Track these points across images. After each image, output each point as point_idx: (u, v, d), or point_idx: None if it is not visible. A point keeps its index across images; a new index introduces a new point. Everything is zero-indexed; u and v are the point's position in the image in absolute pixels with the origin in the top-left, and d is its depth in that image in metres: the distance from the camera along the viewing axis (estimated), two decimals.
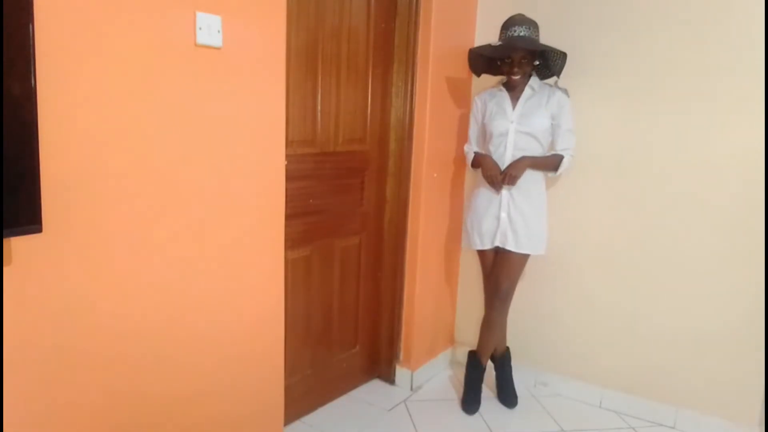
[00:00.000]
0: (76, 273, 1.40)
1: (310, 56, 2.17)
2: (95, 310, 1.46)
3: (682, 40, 2.32)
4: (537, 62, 2.44)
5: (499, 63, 2.46)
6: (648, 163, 2.45)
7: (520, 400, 2.69)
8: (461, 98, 2.82)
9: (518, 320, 2.84)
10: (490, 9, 2.75)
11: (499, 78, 2.57)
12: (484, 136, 2.55)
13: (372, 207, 2.65)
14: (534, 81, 2.45)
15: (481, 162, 2.48)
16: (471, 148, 2.59)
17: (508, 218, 2.44)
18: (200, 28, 1.56)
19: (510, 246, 2.44)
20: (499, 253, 2.51)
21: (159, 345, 1.62)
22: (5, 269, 1.26)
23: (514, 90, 2.46)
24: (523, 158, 2.39)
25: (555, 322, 2.74)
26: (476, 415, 2.56)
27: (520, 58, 2.36)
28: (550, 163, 2.43)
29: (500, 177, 2.40)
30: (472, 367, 2.65)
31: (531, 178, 2.43)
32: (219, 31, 1.61)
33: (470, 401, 2.60)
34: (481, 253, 2.58)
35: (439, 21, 2.52)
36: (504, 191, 2.43)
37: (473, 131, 2.60)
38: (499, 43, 2.35)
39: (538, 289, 2.71)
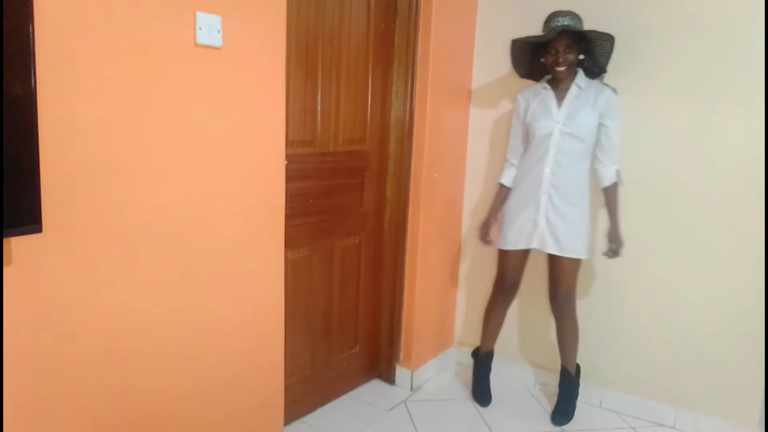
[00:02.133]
0: (76, 273, 1.40)
1: (310, 56, 2.17)
2: (95, 310, 1.46)
3: (681, 39, 2.32)
4: (582, 56, 2.32)
5: (542, 60, 2.35)
6: (647, 163, 2.45)
7: (519, 400, 2.69)
8: (461, 98, 2.82)
9: (518, 320, 2.84)
10: (491, 9, 2.76)
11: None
12: (527, 137, 2.45)
13: (372, 207, 2.65)
14: (580, 78, 2.34)
15: (488, 213, 2.53)
16: (508, 165, 2.52)
17: (546, 222, 2.36)
18: (200, 28, 1.56)
19: (551, 249, 2.38)
20: (549, 259, 2.45)
21: (159, 344, 1.62)
22: (5, 269, 1.26)
23: (559, 87, 2.35)
24: (613, 227, 2.35)
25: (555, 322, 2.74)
26: (476, 414, 2.56)
27: (564, 47, 2.24)
28: (617, 197, 2.36)
29: (481, 236, 2.54)
30: (479, 361, 2.67)
31: (575, 184, 2.34)
32: (219, 31, 1.61)
33: (483, 394, 2.64)
34: (505, 253, 2.51)
35: (439, 21, 2.52)
36: (542, 195, 2.36)
37: (516, 133, 2.51)
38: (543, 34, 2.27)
39: (538, 289, 2.71)
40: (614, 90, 2.33)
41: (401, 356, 2.78)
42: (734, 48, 2.23)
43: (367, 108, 2.51)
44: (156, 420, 1.65)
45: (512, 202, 2.47)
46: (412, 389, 2.75)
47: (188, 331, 1.69)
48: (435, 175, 2.67)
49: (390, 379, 2.80)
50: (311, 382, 2.47)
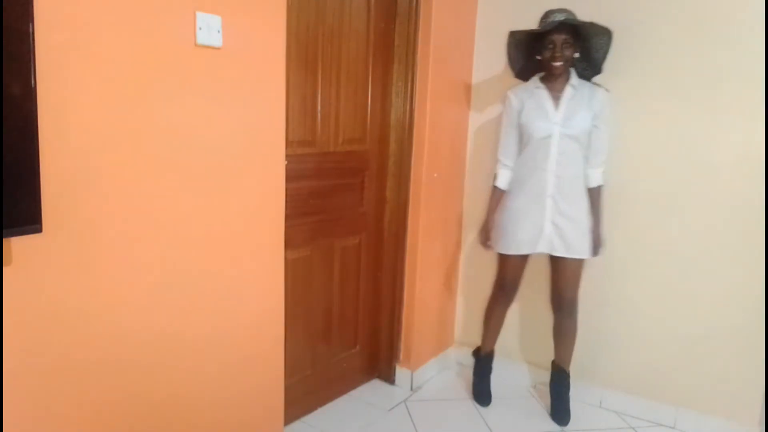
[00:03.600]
0: (76, 273, 1.40)
1: (310, 56, 2.17)
2: (95, 310, 1.46)
3: (679, 39, 2.32)
4: (577, 54, 2.29)
5: (538, 57, 2.30)
6: (646, 163, 2.45)
7: (519, 399, 2.69)
8: (461, 98, 2.82)
9: (518, 320, 2.84)
10: (490, 9, 2.76)
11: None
12: (521, 138, 2.40)
13: (372, 207, 2.65)
14: (574, 78, 2.32)
15: (487, 217, 2.50)
16: (501, 166, 2.47)
17: (553, 225, 2.33)
18: (200, 28, 1.56)
19: (559, 252, 2.35)
20: (553, 261, 2.42)
21: (159, 344, 1.62)
22: (5, 269, 1.26)
23: (554, 87, 2.31)
24: (596, 228, 2.38)
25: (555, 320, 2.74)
26: (476, 414, 2.56)
27: (562, 42, 2.20)
28: (601, 198, 2.41)
29: (482, 241, 2.53)
30: (480, 361, 2.66)
31: (576, 185, 2.34)
32: (219, 31, 1.61)
33: (483, 394, 2.63)
34: (507, 257, 2.46)
35: (439, 21, 2.52)
36: (547, 199, 2.32)
37: (508, 136, 2.43)
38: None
39: (538, 289, 2.71)
40: (606, 90, 2.33)
41: (401, 356, 2.78)
42: (734, 48, 2.23)
43: (367, 108, 2.51)
44: (156, 420, 1.65)
45: (512, 207, 2.42)
46: (412, 389, 2.75)
47: (188, 331, 1.69)
48: (435, 175, 2.67)
49: (390, 379, 2.80)
50: (311, 382, 2.47)
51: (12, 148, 1.17)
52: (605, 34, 2.23)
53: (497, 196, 2.50)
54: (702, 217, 2.36)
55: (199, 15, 1.56)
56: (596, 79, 2.39)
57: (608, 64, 2.35)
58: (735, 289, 2.33)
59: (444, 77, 2.64)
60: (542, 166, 2.31)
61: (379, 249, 2.72)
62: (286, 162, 1.93)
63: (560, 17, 2.19)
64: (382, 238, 2.71)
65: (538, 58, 2.31)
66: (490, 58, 2.77)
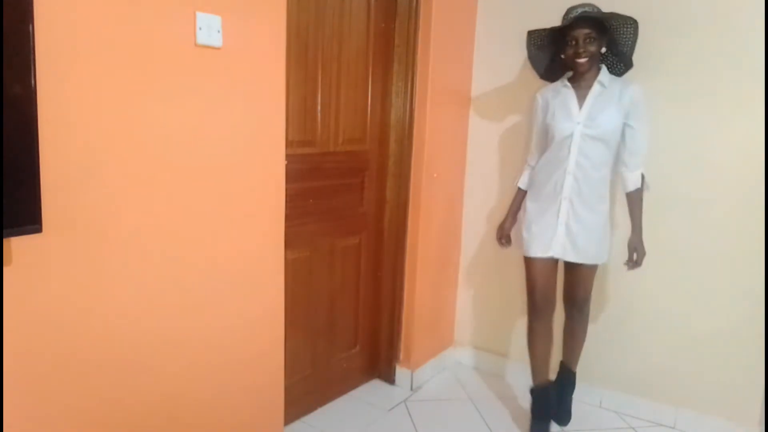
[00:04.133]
0: (75, 273, 1.40)
1: (310, 56, 2.17)
2: (95, 310, 1.46)
3: (682, 40, 2.32)
4: (604, 49, 2.15)
5: (562, 56, 2.19)
6: (648, 164, 2.44)
7: (520, 400, 2.69)
8: (461, 98, 2.82)
9: (517, 319, 2.84)
10: (491, 8, 2.76)
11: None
12: (547, 138, 2.31)
13: (372, 207, 2.65)
14: (603, 75, 2.18)
15: (506, 215, 2.48)
16: (526, 167, 2.44)
17: (566, 229, 2.22)
18: (200, 28, 1.56)
19: (570, 257, 2.25)
20: (566, 267, 2.35)
21: (159, 345, 1.62)
22: (5, 269, 1.26)
23: (580, 85, 2.19)
24: (636, 236, 2.25)
25: (554, 322, 2.74)
26: (476, 414, 2.56)
27: (584, 36, 2.08)
28: (641, 203, 2.26)
29: (498, 237, 2.51)
30: (539, 393, 2.38)
31: (598, 188, 2.21)
32: (219, 31, 1.61)
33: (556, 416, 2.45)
34: (531, 261, 2.31)
35: (439, 21, 2.52)
36: (563, 200, 2.21)
37: (535, 135, 2.39)
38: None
39: None
40: (639, 86, 2.19)
41: (401, 356, 2.78)
42: (734, 47, 2.23)
43: (367, 108, 2.51)
44: (156, 420, 1.65)
45: (531, 208, 2.35)
46: (412, 389, 2.75)
47: (188, 331, 1.69)
48: (435, 175, 2.67)
49: (390, 379, 2.80)
50: (311, 382, 2.47)
51: (12, 148, 1.17)
52: (630, 24, 2.11)
53: (518, 196, 2.47)
54: (702, 217, 2.36)
55: (199, 15, 1.56)
56: (629, 74, 2.28)
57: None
58: (735, 289, 2.33)
59: (444, 77, 2.64)
60: (562, 168, 2.21)
61: (379, 249, 2.72)
62: (286, 162, 1.93)
63: (579, 11, 2.09)
64: (382, 238, 2.71)
65: (563, 56, 2.21)
66: (491, 58, 2.78)
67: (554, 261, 2.31)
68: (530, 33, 2.26)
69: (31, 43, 1.17)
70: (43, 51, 1.22)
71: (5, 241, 1.24)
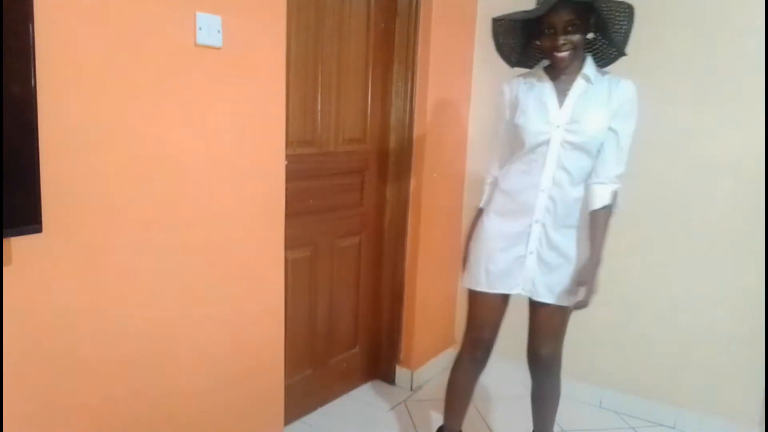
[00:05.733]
0: (76, 273, 1.40)
1: (310, 56, 2.17)
2: (95, 310, 1.46)
3: (679, 38, 2.32)
4: (591, 35, 1.70)
5: (538, 42, 1.72)
6: (647, 163, 2.44)
7: (520, 400, 2.68)
8: (461, 98, 2.82)
9: (516, 319, 2.84)
10: (491, 9, 2.75)
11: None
12: (514, 144, 1.80)
13: (372, 207, 2.65)
14: (589, 67, 1.70)
15: (465, 244, 1.91)
16: (490, 178, 1.91)
17: (537, 259, 1.77)
18: (200, 28, 1.56)
19: (542, 297, 1.79)
20: (532, 306, 1.86)
21: (159, 345, 1.62)
22: (5, 269, 1.26)
23: (560, 78, 1.71)
24: (593, 263, 1.71)
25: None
26: (476, 414, 2.56)
27: (564, 24, 1.59)
28: (606, 227, 1.73)
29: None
30: None
31: (575, 205, 1.75)
32: (219, 31, 1.61)
33: None
34: (477, 296, 1.85)
35: (439, 21, 2.52)
36: (534, 224, 1.75)
37: (501, 137, 1.86)
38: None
39: None
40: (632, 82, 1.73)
41: (401, 356, 2.78)
42: (734, 47, 2.23)
43: (367, 108, 2.51)
44: (156, 421, 1.65)
45: (491, 230, 1.82)
46: (412, 389, 2.75)
47: (188, 331, 1.69)
48: (435, 175, 2.68)
49: (390, 379, 2.80)
50: (311, 382, 2.47)
51: (12, 148, 1.17)
52: (624, 11, 1.63)
53: (478, 217, 1.92)
54: (702, 217, 2.36)
55: (199, 15, 1.56)
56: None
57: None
58: (735, 289, 2.33)
59: (444, 77, 2.64)
60: (534, 182, 1.73)
61: (379, 249, 2.72)
62: (286, 162, 1.93)
63: None
64: (382, 237, 2.71)
65: (537, 43, 1.73)
66: (491, 58, 2.76)
67: (506, 297, 1.87)
68: (495, 20, 1.75)
69: (31, 43, 1.17)
70: (43, 51, 1.22)
71: (5, 241, 1.24)
